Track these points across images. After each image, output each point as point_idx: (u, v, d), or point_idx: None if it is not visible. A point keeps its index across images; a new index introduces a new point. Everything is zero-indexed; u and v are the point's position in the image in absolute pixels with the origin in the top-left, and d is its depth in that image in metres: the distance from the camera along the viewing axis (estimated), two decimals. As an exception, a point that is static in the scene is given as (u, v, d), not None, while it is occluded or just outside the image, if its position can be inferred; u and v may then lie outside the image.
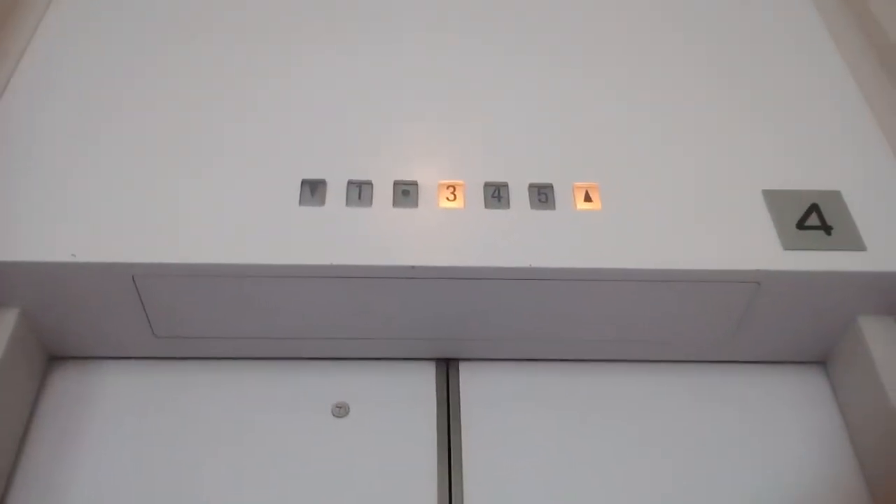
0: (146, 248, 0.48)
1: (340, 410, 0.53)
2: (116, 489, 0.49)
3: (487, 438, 0.52)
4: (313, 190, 0.51)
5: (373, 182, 0.51)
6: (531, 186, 0.52)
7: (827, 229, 0.50)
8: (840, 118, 0.57)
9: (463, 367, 0.55)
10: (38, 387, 0.53)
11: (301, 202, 0.50)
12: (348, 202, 0.51)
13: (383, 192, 0.51)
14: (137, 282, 0.49)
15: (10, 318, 0.50)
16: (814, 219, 0.51)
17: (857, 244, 0.50)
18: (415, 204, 0.51)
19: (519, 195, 0.51)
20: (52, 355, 0.54)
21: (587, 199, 0.51)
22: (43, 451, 0.50)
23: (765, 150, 0.54)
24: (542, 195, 0.51)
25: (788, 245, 0.50)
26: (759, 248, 0.49)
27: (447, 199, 0.51)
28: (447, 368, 0.55)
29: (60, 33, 0.60)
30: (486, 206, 0.51)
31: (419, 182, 0.52)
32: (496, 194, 0.51)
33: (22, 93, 0.56)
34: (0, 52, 0.58)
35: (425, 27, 0.62)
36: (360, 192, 0.51)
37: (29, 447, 0.50)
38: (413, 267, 0.48)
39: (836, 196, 0.52)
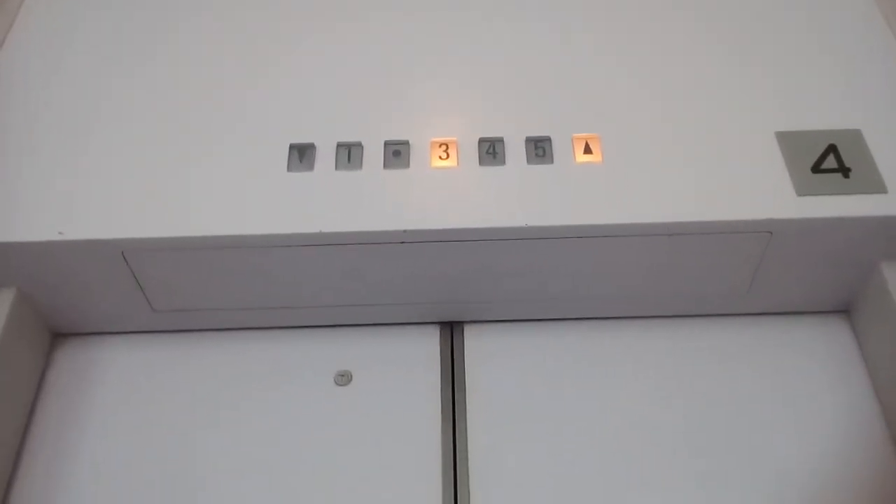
0: (133, 223, 0.47)
1: (343, 378, 0.52)
2: (122, 461, 0.49)
3: (493, 401, 0.51)
4: (301, 155, 0.49)
5: (363, 143, 0.50)
6: (528, 140, 0.49)
7: (845, 171, 0.47)
8: (859, 50, 0.53)
9: (468, 329, 0.54)
10: (44, 363, 0.53)
11: (289, 168, 0.49)
12: (338, 166, 0.49)
13: (373, 154, 0.49)
14: (128, 257, 0.48)
15: (7, 297, 0.49)
16: (830, 161, 0.48)
17: (877, 186, 0.47)
18: (406, 164, 0.49)
19: (515, 150, 0.49)
20: (55, 332, 0.54)
21: (587, 150, 0.49)
22: (49, 427, 0.51)
23: (777, 89, 0.51)
24: (540, 149, 0.49)
25: (802, 191, 0.47)
26: (771, 196, 0.47)
27: (440, 157, 0.49)
28: (451, 331, 0.54)
29: (46, 12, 0.58)
30: (481, 163, 0.49)
31: (410, 141, 0.50)
32: (491, 150, 0.49)
33: (3, 74, 0.55)
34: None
35: None
36: (349, 154, 0.49)
37: (36, 422, 0.51)
38: (405, 231, 0.47)
39: (855, 135, 0.49)
